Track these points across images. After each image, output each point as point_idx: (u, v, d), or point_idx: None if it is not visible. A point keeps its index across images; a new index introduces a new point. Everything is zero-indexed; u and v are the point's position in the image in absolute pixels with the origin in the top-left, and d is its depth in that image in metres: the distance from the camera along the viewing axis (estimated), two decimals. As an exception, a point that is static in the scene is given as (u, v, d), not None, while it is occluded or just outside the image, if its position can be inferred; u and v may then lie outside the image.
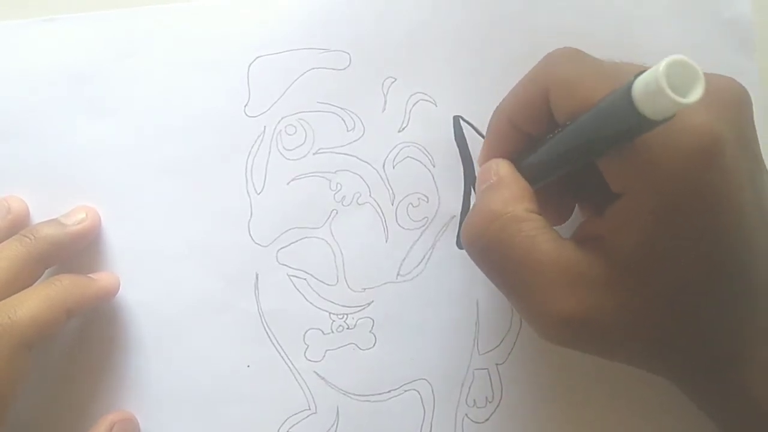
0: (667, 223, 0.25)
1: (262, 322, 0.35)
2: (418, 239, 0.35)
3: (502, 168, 0.30)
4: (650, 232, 0.25)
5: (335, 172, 0.35)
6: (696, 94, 0.21)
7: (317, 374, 0.35)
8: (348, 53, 0.35)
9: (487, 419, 0.34)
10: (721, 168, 0.25)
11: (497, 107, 0.31)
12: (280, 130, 0.35)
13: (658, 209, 0.25)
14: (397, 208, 0.35)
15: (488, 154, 0.31)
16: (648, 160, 0.25)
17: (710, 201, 0.25)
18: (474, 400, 0.34)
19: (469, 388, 0.34)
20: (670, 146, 0.25)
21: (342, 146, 0.35)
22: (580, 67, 0.27)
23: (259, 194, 0.35)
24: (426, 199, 0.35)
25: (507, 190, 0.29)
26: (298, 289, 0.35)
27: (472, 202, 0.35)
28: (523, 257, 0.27)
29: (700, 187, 0.25)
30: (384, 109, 0.35)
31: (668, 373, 0.28)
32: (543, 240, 0.27)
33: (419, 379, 0.34)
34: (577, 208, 0.33)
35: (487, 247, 0.28)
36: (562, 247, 0.27)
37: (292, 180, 0.35)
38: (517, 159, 0.30)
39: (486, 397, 0.34)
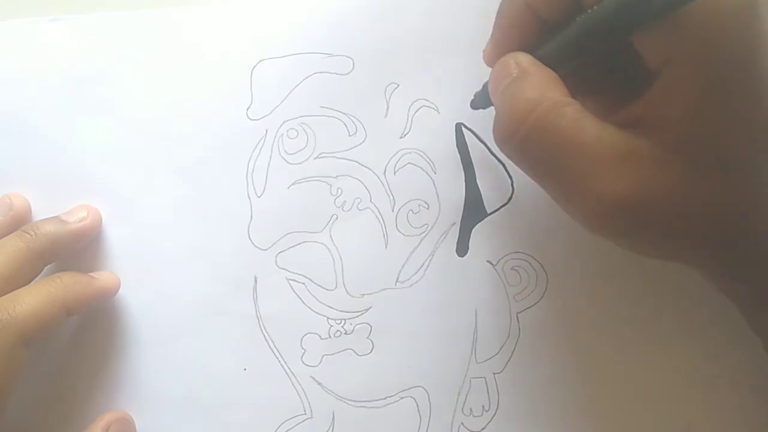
0: (714, 88, 0.24)
1: (259, 326, 0.35)
2: (417, 246, 0.35)
3: (523, 59, 0.28)
4: (698, 100, 0.25)
5: (336, 177, 0.35)
6: None
7: (314, 379, 0.34)
8: (351, 58, 0.35)
9: (483, 428, 0.34)
10: (760, 24, 0.24)
11: None
12: (282, 134, 0.35)
13: (705, 74, 0.24)
14: (397, 214, 0.35)
15: (498, 46, 0.30)
16: (690, 21, 0.24)
17: (756, 56, 0.24)
18: (470, 409, 0.34)
19: (466, 396, 0.34)
20: (711, 11, 0.24)
21: (343, 151, 0.35)
22: None
23: (259, 197, 0.35)
24: (426, 206, 0.35)
25: (536, 78, 0.27)
26: (296, 294, 0.35)
27: (474, 209, 0.35)
28: (571, 142, 0.26)
29: (746, 44, 0.24)
30: (386, 115, 0.35)
31: (708, 258, 0.27)
32: (589, 123, 0.26)
33: (416, 387, 0.34)
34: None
35: (528, 137, 0.27)
36: (609, 130, 0.26)
37: (293, 184, 0.35)
38: (530, 50, 0.28)
39: (482, 406, 0.34)
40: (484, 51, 0.31)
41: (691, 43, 0.24)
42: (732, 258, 0.27)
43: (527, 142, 0.27)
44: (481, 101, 0.33)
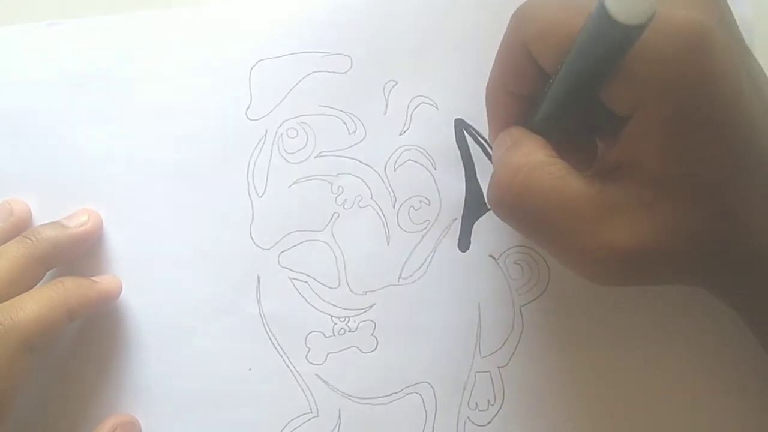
0: (679, 124, 0.25)
1: (263, 325, 0.35)
2: (419, 242, 0.35)
3: (514, 132, 0.30)
4: (667, 138, 0.25)
5: (337, 176, 0.35)
6: None
7: (319, 377, 0.34)
8: (349, 57, 0.36)
9: (489, 422, 0.34)
10: (713, 55, 0.25)
11: (488, 84, 0.31)
12: (282, 134, 0.35)
13: (668, 114, 0.25)
14: (398, 211, 0.35)
15: (496, 128, 0.31)
16: (644, 70, 0.25)
17: (712, 89, 0.25)
18: (476, 403, 0.34)
19: (471, 391, 0.34)
20: (660, 50, 0.25)
21: (343, 149, 0.35)
22: (548, 9, 0.27)
23: (260, 197, 0.35)
24: (427, 202, 0.35)
25: (524, 146, 0.29)
26: (299, 292, 0.35)
27: (474, 205, 0.35)
28: (556, 200, 0.27)
29: (700, 79, 0.25)
30: (385, 113, 0.36)
31: (706, 279, 0.28)
32: (571, 179, 0.27)
33: (421, 382, 0.34)
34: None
35: (517, 199, 0.28)
36: (591, 183, 0.27)
37: (294, 183, 0.35)
38: (524, 122, 0.30)
39: (488, 400, 0.34)
40: (488, 137, 0.33)
41: (645, 88, 0.25)
42: (728, 276, 0.28)
43: (516, 204, 0.28)
44: None
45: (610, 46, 0.24)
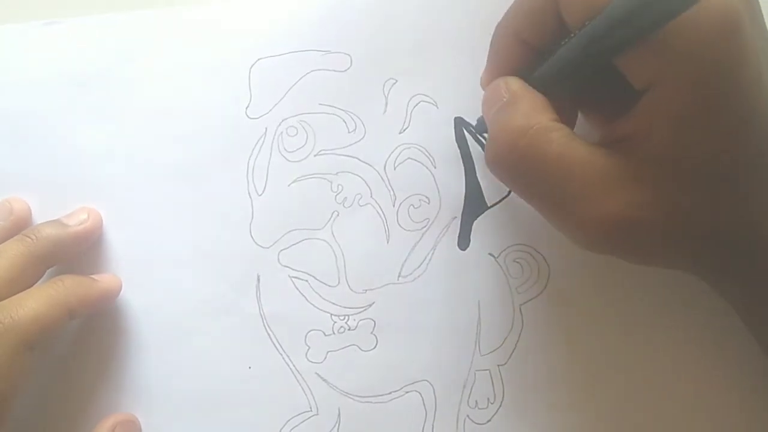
0: (699, 106, 0.25)
1: (263, 324, 0.35)
2: (419, 240, 0.35)
3: (513, 83, 0.29)
4: (683, 117, 0.25)
5: (336, 174, 0.35)
6: None
7: (319, 376, 0.34)
8: (349, 55, 0.36)
9: (489, 420, 0.34)
10: (743, 43, 0.25)
11: (500, 23, 0.31)
12: (282, 132, 0.35)
13: (689, 92, 0.25)
14: (398, 209, 0.35)
15: (493, 73, 0.31)
16: (676, 44, 0.25)
17: (737, 75, 0.25)
18: (476, 402, 0.34)
19: (471, 389, 0.34)
20: (696, 27, 0.24)
21: (343, 148, 0.35)
22: None
23: (260, 196, 0.35)
24: (427, 201, 0.35)
25: (525, 103, 0.28)
26: (299, 291, 0.35)
27: (474, 203, 0.35)
28: (559, 166, 0.27)
29: (728, 63, 0.25)
30: (385, 111, 0.36)
31: (704, 265, 0.28)
32: (576, 146, 0.27)
33: (421, 381, 0.34)
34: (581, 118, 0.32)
35: (518, 163, 0.28)
36: (596, 152, 0.27)
37: (294, 182, 0.35)
38: (523, 74, 0.30)
39: (488, 398, 0.34)
40: (481, 78, 0.32)
41: (674, 64, 0.25)
42: (724, 264, 0.28)
43: (517, 168, 0.28)
44: (484, 125, 0.33)
45: (653, 18, 0.24)
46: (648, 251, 0.28)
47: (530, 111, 0.28)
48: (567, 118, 0.31)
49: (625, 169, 0.26)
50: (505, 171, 0.29)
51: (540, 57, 0.29)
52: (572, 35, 0.27)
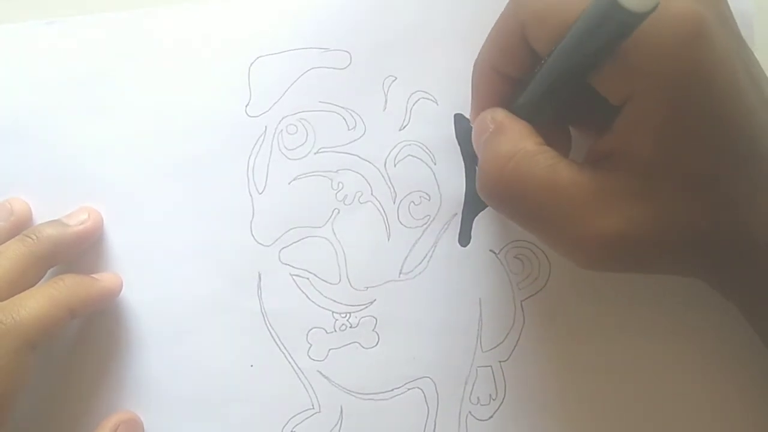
0: (676, 115, 0.25)
1: (265, 322, 0.35)
2: (420, 237, 0.35)
3: (498, 114, 0.30)
4: (663, 129, 0.25)
5: (337, 171, 0.35)
6: None
7: (320, 373, 0.35)
8: (348, 52, 0.36)
9: (491, 416, 0.34)
10: (711, 47, 0.25)
11: (476, 59, 0.31)
12: (281, 130, 0.35)
13: (663, 103, 0.25)
14: (398, 206, 0.35)
15: (478, 108, 0.31)
16: (641, 58, 0.25)
17: (709, 80, 0.25)
18: (477, 398, 0.34)
19: (473, 385, 0.34)
20: (658, 38, 0.25)
21: (343, 145, 0.35)
22: None
23: (260, 194, 0.35)
24: (428, 197, 0.35)
25: (510, 132, 0.29)
26: (300, 289, 0.35)
27: (475, 199, 0.35)
28: (548, 189, 0.27)
29: (697, 70, 0.25)
30: (385, 108, 0.36)
31: (703, 270, 0.28)
32: (562, 168, 0.27)
33: (422, 377, 0.34)
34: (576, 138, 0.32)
35: (507, 190, 0.28)
36: (583, 171, 0.27)
37: (294, 179, 0.35)
38: (507, 105, 0.30)
39: (489, 395, 0.34)
40: (469, 116, 0.33)
41: (644, 78, 0.25)
42: (724, 265, 0.28)
43: (507, 193, 0.28)
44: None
45: (612, 32, 0.24)
46: (646, 263, 0.28)
47: (515, 138, 0.28)
48: (560, 141, 0.31)
49: (612, 186, 0.26)
50: (495, 198, 0.29)
51: (520, 86, 0.30)
52: (543, 62, 0.28)
